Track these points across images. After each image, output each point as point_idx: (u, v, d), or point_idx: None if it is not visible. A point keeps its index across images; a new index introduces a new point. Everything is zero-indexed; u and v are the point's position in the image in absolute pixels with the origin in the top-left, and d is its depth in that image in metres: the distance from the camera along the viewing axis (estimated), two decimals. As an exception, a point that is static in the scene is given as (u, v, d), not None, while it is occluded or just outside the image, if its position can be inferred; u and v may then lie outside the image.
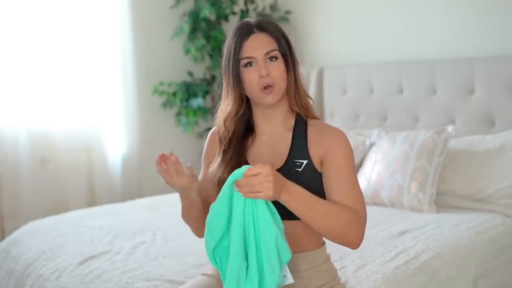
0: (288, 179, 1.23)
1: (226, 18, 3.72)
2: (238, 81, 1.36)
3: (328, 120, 3.39)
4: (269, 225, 1.19)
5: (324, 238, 1.45)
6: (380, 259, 1.84)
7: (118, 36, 3.55)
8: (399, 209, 2.52)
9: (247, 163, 1.37)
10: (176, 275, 1.78)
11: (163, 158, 1.30)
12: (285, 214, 1.25)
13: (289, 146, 1.38)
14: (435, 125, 2.83)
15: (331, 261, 1.48)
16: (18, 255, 2.19)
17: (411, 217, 2.36)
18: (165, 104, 3.77)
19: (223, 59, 1.39)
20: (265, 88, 1.33)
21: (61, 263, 1.97)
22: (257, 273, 1.20)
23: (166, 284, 1.71)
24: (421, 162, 2.49)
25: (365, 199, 1.37)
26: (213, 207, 1.24)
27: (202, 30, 3.68)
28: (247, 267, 1.21)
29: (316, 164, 1.35)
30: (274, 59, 1.35)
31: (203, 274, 1.53)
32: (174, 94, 3.76)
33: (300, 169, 1.34)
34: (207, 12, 3.54)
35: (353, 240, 1.29)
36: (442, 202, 2.53)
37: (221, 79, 1.42)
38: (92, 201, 3.53)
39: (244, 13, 3.77)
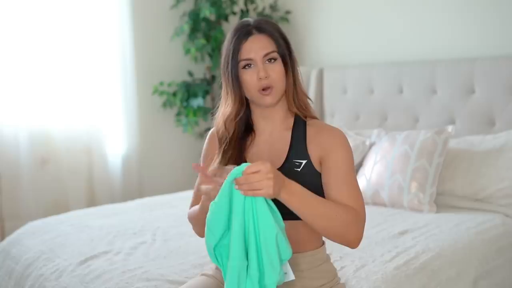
0: None
1: (226, 18, 3.73)
2: (237, 83, 1.36)
3: (328, 120, 3.39)
4: (269, 222, 1.19)
5: (324, 238, 1.45)
6: (380, 259, 1.84)
7: (118, 36, 3.55)
8: (399, 209, 2.52)
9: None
10: (176, 275, 1.78)
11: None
12: (285, 213, 1.25)
13: (288, 146, 1.39)
14: (435, 125, 2.83)
15: (331, 261, 1.48)
16: (18, 255, 2.19)
17: (411, 217, 2.36)
18: (165, 104, 3.77)
19: (222, 61, 1.39)
20: (263, 89, 1.34)
21: (61, 263, 1.97)
22: (257, 271, 1.20)
23: (166, 284, 1.71)
24: (421, 162, 2.49)
25: (365, 199, 1.37)
26: (213, 205, 1.24)
27: (202, 30, 3.68)
28: (247, 265, 1.21)
29: (315, 164, 1.35)
30: (272, 60, 1.35)
31: (203, 274, 1.54)
32: (174, 94, 3.76)
33: (299, 169, 1.34)
34: (207, 12, 3.54)
35: (353, 240, 1.29)
36: (442, 202, 2.53)
37: (221, 80, 1.42)
38: (92, 201, 3.54)
39: (244, 13, 3.77)
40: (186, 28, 3.65)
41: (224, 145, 1.41)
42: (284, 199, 1.21)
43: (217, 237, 1.24)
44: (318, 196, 1.26)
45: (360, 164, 2.75)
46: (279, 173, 1.19)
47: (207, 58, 3.89)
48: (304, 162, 1.35)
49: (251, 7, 3.81)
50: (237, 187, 1.18)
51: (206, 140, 1.51)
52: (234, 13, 3.78)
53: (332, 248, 1.75)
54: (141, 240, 2.18)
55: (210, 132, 1.51)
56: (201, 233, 1.47)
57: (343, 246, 1.32)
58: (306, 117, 1.42)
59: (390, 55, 3.22)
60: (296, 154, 1.37)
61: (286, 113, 1.43)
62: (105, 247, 2.10)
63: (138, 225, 2.38)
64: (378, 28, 3.28)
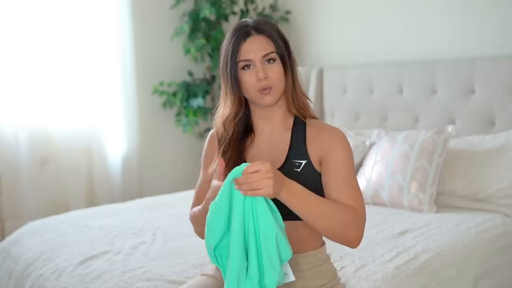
0: None
1: (226, 18, 3.73)
2: (236, 84, 1.36)
3: (328, 120, 3.39)
4: (269, 222, 1.19)
5: (324, 238, 1.45)
6: (380, 259, 1.84)
7: (118, 36, 3.55)
8: (399, 209, 2.52)
9: (246, 164, 1.38)
10: (176, 275, 1.78)
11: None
12: (285, 214, 1.26)
13: (288, 146, 1.38)
14: (435, 125, 2.83)
15: (331, 261, 1.48)
16: (18, 255, 2.19)
17: (411, 217, 2.36)
18: (165, 104, 3.77)
19: (221, 61, 1.40)
20: (262, 89, 1.34)
21: (61, 263, 1.97)
22: (257, 271, 1.20)
23: (166, 284, 1.71)
24: (421, 162, 2.49)
25: (365, 199, 1.37)
26: (212, 206, 1.24)
27: (202, 30, 3.68)
28: (247, 265, 1.21)
29: (315, 164, 1.35)
30: (271, 61, 1.35)
31: (203, 274, 1.54)
32: (174, 94, 3.76)
33: (299, 170, 1.34)
34: (207, 12, 3.54)
35: (353, 239, 1.29)
36: (442, 202, 2.53)
37: (220, 80, 1.42)
38: (92, 201, 3.54)
39: (244, 13, 3.77)
40: (186, 28, 3.65)
41: (223, 146, 1.41)
42: (284, 198, 1.21)
43: (217, 237, 1.24)
44: (318, 196, 1.26)
45: (360, 164, 2.75)
46: (279, 172, 1.19)
47: (207, 58, 3.89)
48: (304, 162, 1.35)
49: (251, 7, 3.82)
50: (236, 187, 1.18)
51: (206, 141, 1.51)
52: (234, 13, 3.78)
53: (332, 248, 1.75)
54: (141, 240, 2.18)
55: (210, 133, 1.51)
56: (202, 234, 1.46)
57: (343, 246, 1.33)
58: (305, 117, 1.42)
59: (390, 55, 3.22)
60: (296, 154, 1.37)
61: (286, 113, 1.43)
62: (105, 247, 2.10)
63: (138, 225, 2.38)
64: (378, 28, 3.28)
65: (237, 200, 1.19)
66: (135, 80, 3.63)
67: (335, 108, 3.40)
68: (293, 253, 1.32)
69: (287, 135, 1.40)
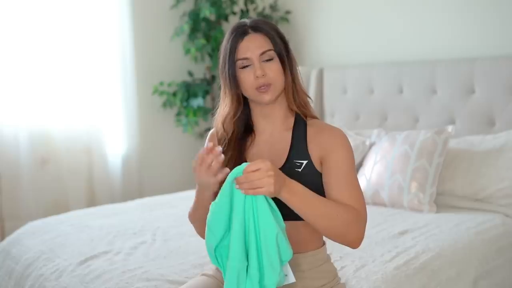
0: None
1: (226, 18, 3.73)
2: (234, 83, 1.36)
3: (328, 120, 3.39)
4: (270, 222, 1.19)
5: (324, 238, 1.45)
6: (380, 259, 1.84)
7: (118, 36, 3.55)
8: (399, 209, 2.52)
9: (246, 164, 1.37)
10: (176, 275, 1.78)
11: (209, 151, 1.23)
12: (286, 214, 1.26)
13: (289, 146, 1.38)
14: (435, 125, 2.83)
15: (331, 261, 1.48)
16: (18, 255, 2.19)
17: (411, 217, 2.36)
18: (165, 104, 3.77)
19: (220, 61, 1.40)
20: (260, 87, 1.34)
21: (61, 263, 1.97)
22: (257, 272, 1.20)
23: (166, 284, 1.71)
24: (421, 162, 2.49)
25: (365, 199, 1.37)
26: (213, 206, 1.24)
27: (202, 30, 3.68)
28: (247, 266, 1.21)
29: (316, 164, 1.35)
30: (269, 59, 1.35)
31: (203, 274, 1.54)
32: (174, 94, 3.76)
33: (300, 170, 1.34)
34: (207, 12, 3.54)
35: (354, 240, 1.29)
36: (442, 202, 2.53)
37: (220, 80, 1.43)
38: (92, 201, 3.54)
39: (244, 13, 3.77)
40: (186, 28, 3.65)
41: (223, 146, 1.41)
42: (285, 198, 1.21)
43: (217, 237, 1.24)
44: (319, 196, 1.26)
45: (360, 164, 2.75)
46: (280, 171, 1.19)
47: (207, 58, 3.89)
48: (305, 162, 1.35)
49: (251, 7, 3.82)
50: (237, 186, 1.17)
51: (207, 140, 1.51)
52: (234, 13, 3.78)
53: (332, 248, 1.75)
54: (141, 240, 2.18)
55: (210, 132, 1.51)
56: (202, 233, 1.47)
57: (343, 246, 1.32)
58: (306, 117, 1.42)
59: (390, 55, 3.22)
60: (297, 154, 1.36)
61: (286, 112, 1.43)
62: (105, 247, 2.10)
63: (138, 225, 2.38)
64: (378, 28, 3.28)
65: (237, 200, 1.19)
66: (135, 80, 3.63)
67: (335, 108, 3.40)
68: (294, 253, 1.32)
69: (288, 135, 1.40)
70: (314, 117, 1.44)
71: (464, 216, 2.31)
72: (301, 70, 1.46)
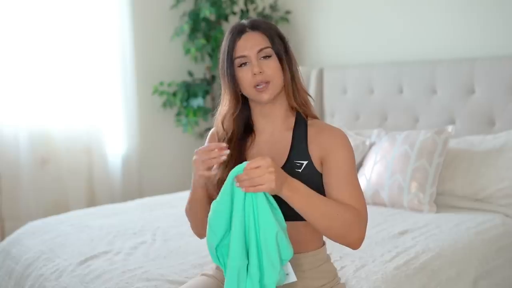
0: None
1: (226, 18, 3.72)
2: (233, 81, 1.37)
3: (328, 120, 3.39)
4: (269, 220, 1.19)
5: (324, 238, 1.45)
6: (380, 259, 1.84)
7: (118, 36, 3.55)
8: (399, 209, 2.52)
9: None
10: (176, 275, 1.78)
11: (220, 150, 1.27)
12: (286, 215, 1.26)
13: (289, 146, 1.38)
14: (435, 125, 2.83)
15: (331, 261, 1.48)
16: (18, 255, 2.19)
17: (411, 217, 2.36)
18: (165, 104, 3.77)
19: (219, 61, 1.40)
20: (258, 86, 1.34)
21: (61, 263, 1.97)
22: (257, 270, 1.20)
23: (166, 284, 1.71)
24: (421, 162, 2.49)
25: (365, 199, 1.37)
26: (214, 205, 1.24)
27: (202, 30, 3.68)
28: (247, 265, 1.21)
29: (316, 165, 1.35)
30: (267, 57, 1.35)
31: (203, 274, 1.54)
32: (174, 94, 3.76)
33: (300, 170, 1.34)
34: (207, 12, 3.54)
35: (354, 240, 1.29)
36: (442, 202, 2.53)
37: (220, 80, 1.43)
38: (92, 201, 3.54)
39: (244, 13, 3.77)
40: (186, 28, 3.65)
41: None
42: (286, 195, 1.21)
43: (218, 236, 1.24)
44: (320, 195, 1.26)
45: (360, 164, 2.75)
46: (281, 169, 1.20)
47: (207, 58, 3.89)
48: (305, 163, 1.35)
49: (251, 7, 3.82)
50: (238, 184, 1.17)
51: (207, 140, 1.51)
52: (234, 13, 3.78)
53: (332, 248, 1.75)
54: (141, 240, 2.18)
55: (210, 132, 1.51)
56: (197, 230, 1.47)
57: (343, 246, 1.32)
58: (307, 117, 1.42)
59: (390, 55, 3.22)
60: (297, 154, 1.36)
61: (287, 112, 1.43)
62: (105, 247, 2.10)
63: (138, 225, 2.38)
64: (378, 28, 3.28)
65: (238, 199, 1.20)
66: (135, 80, 3.63)
67: (335, 108, 3.40)
68: (294, 253, 1.32)
69: (289, 135, 1.40)
70: (315, 117, 1.44)
71: (464, 216, 2.31)
72: (301, 70, 1.46)
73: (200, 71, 4.00)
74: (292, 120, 1.42)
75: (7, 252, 2.28)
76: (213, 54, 3.70)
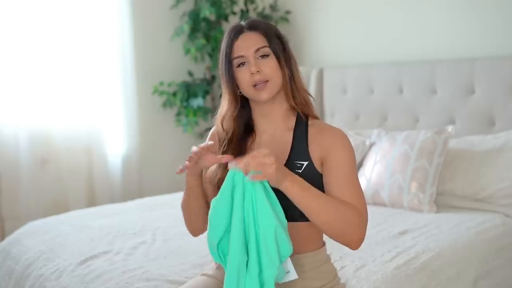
0: None
1: (226, 18, 3.72)
2: (231, 81, 1.37)
3: (328, 120, 3.39)
4: (268, 216, 1.20)
5: (324, 238, 1.45)
6: (380, 259, 1.84)
7: (118, 36, 3.55)
8: (399, 209, 2.52)
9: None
10: (176, 275, 1.78)
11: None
12: (287, 215, 1.26)
13: (290, 147, 1.38)
14: (435, 125, 2.83)
15: (331, 261, 1.48)
16: (18, 255, 2.19)
17: (411, 217, 2.36)
18: (165, 104, 3.77)
19: (219, 62, 1.41)
20: (256, 85, 1.34)
21: (61, 263, 1.97)
22: (257, 266, 1.20)
23: (166, 284, 1.71)
24: (421, 162, 2.49)
25: (365, 199, 1.37)
26: (214, 202, 1.24)
27: (202, 30, 3.68)
28: (247, 261, 1.21)
29: (317, 165, 1.35)
30: (265, 56, 1.35)
31: (203, 274, 1.54)
32: (174, 94, 3.76)
33: (300, 171, 1.34)
34: (207, 12, 3.54)
35: (354, 239, 1.28)
36: (442, 202, 2.53)
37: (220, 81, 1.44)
38: (92, 201, 3.53)
39: (244, 13, 3.77)
40: (186, 28, 3.65)
41: (223, 146, 1.41)
42: (288, 187, 1.21)
43: (219, 234, 1.24)
44: (320, 191, 1.26)
45: (360, 164, 2.75)
46: (281, 164, 1.22)
47: (207, 58, 3.89)
48: (305, 163, 1.34)
49: (251, 7, 3.81)
50: (241, 165, 1.18)
51: (207, 139, 1.51)
52: (234, 13, 3.78)
53: (332, 248, 1.75)
54: (141, 240, 2.18)
55: (211, 131, 1.51)
56: (191, 227, 1.49)
57: (343, 246, 1.32)
58: (307, 117, 1.42)
59: (390, 55, 3.22)
60: (298, 155, 1.36)
61: (287, 111, 1.43)
62: (105, 247, 2.10)
63: (138, 225, 2.38)
64: (378, 28, 3.28)
65: (237, 195, 1.20)
66: (135, 80, 3.63)
67: (335, 108, 3.40)
68: (294, 254, 1.32)
69: (289, 136, 1.40)
70: (316, 117, 1.44)
71: (464, 216, 2.31)
72: (301, 70, 1.46)
73: (200, 71, 4.00)
74: (293, 120, 1.42)
75: (7, 252, 2.28)
76: (213, 54, 3.70)
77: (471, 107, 2.76)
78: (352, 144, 1.39)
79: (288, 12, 3.69)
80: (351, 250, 1.82)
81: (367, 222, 1.31)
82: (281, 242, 1.21)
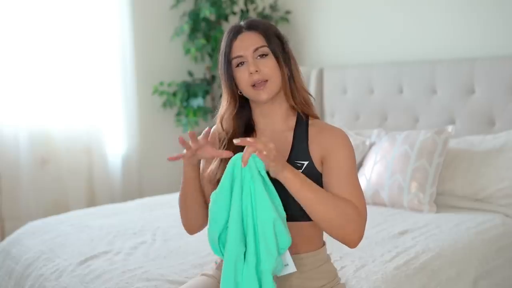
0: None
1: (226, 18, 3.72)
2: (230, 81, 1.38)
3: (328, 120, 3.40)
4: (267, 207, 1.20)
5: (324, 238, 1.45)
6: (380, 259, 1.84)
7: (118, 36, 3.55)
8: (399, 209, 2.52)
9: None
10: (176, 275, 1.78)
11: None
12: (287, 216, 1.26)
13: (290, 146, 1.38)
14: (435, 125, 2.83)
15: (331, 261, 1.48)
16: (18, 255, 2.19)
17: (411, 217, 2.36)
18: (165, 104, 3.77)
19: (219, 62, 1.41)
20: (254, 85, 1.34)
21: (61, 263, 1.97)
22: (254, 257, 1.20)
23: (166, 284, 1.71)
24: (421, 162, 2.49)
25: (365, 199, 1.37)
26: (213, 196, 1.25)
27: (202, 30, 3.68)
28: (245, 252, 1.22)
29: (317, 165, 1.35)
30: (264, 56, 1.35)
31: (203, 274, 1.54)
32: (174, 94, 3.76)
33: (300, 170, 1.34)
34: (207, 12, 3.54)
35: (353, 237, 1.28)
36: (442, 202, 2.53)
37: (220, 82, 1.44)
38: (92, 201, 3.53)
39: (244, 13, 3.77)
40: (186, 28, 3.65)
41: (223, 146, 1.41)
42: (288, 177, 1.22)
43: (220, 226, 1.25)
44: (321, 188, 1.27)
45: (360, 164, 2.75)
46: (281, 156, 1.25)
47: (207, 58, 3.89)
48: (305, 163, 1.34)
49: (251, 7, 3.81)
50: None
51: (204, 135, 1.51)
52: (234, 13, 3.78)
53: (332, 248, 1.75)
54: (141, 240, 2.18)
55: (211, 130, 1.51)
56: (187, 224, 1.49)
57: (343, 246, 1.32)
58: (308, 117, 1.42)
59: (390, 55, 3.22)
60: (298, 155, 1.36)
61: (287, 111, 1.43)
62: (105, 247, 2.10)
63: (138, 225, 2.38)
64: (378, 28, 3.28)
65: (237, 187, 1.21)
66: (135, 80, 3.63)
67: (335, 108, 3.40)
68: (295, 254, 1.32)
69: (290, 135, 1.40)
70: (316, 117, 1.44)
71: (464, 216, 2.31)
72: (301, 70, 1.46)
73: (200, 71, 4.00)
74: (293, 120, 1.42)
75: (7, 252, 2.28)
76: (213, 54, 3.71)
77: (471, 107, 2.76)
78: (352, 144, 1.39)
79: (288, 12, 3.69)
80: (351, 250, 1.84)
81: (366, 221, 1.31)
82: (280, 234, 1.22)
